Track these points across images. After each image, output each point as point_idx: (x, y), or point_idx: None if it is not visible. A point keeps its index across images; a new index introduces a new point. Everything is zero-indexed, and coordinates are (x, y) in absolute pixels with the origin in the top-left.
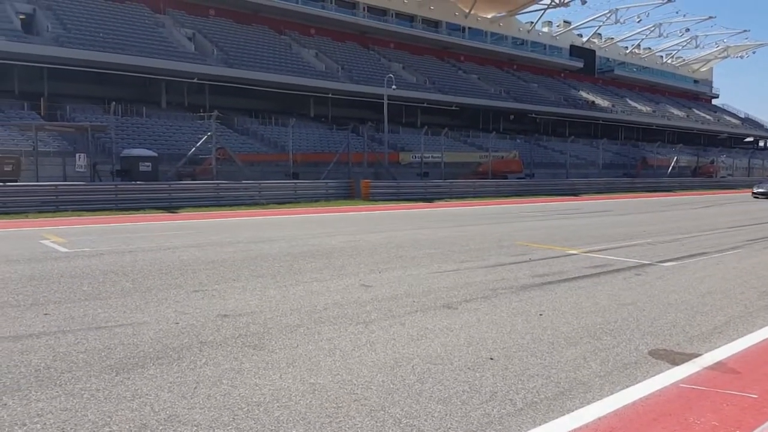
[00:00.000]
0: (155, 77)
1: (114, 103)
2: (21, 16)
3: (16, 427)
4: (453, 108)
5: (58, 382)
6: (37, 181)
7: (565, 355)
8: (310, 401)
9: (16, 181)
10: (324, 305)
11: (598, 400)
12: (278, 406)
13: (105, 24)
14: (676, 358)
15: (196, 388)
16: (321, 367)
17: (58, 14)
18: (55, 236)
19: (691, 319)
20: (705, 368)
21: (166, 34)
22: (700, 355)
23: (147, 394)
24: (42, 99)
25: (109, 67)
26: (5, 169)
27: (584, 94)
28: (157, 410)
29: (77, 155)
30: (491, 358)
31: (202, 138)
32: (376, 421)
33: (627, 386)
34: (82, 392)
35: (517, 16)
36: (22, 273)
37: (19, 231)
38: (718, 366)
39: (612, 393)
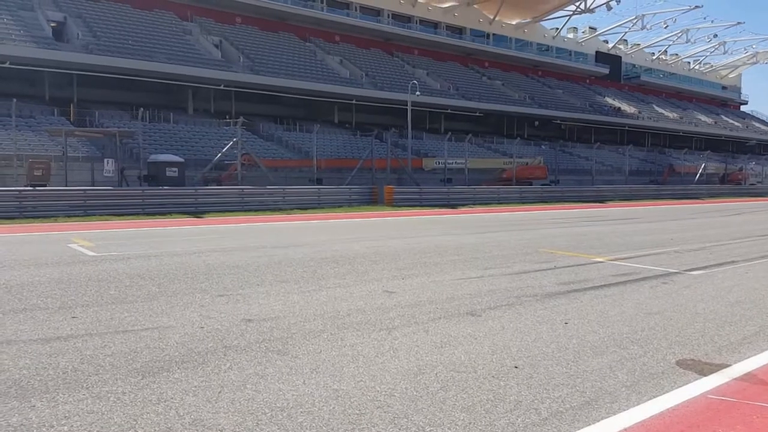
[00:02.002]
0: (182, 84)
1: (142, 109)
2: (52, 24)
3: (43, 429)
4: (477, 114)
5: (85, 385)
6: (66, 186)
7: (591, 364)
8: (333, 407)
9: (46, 186)
10: (347, 311)
11: (624, 410)
12: (301, 412)
13: (134, 32)
14: (704, 369)
15: (220, 392)
16: (344, 373)
17: (88, 22)
18: (83, 240)
19: (720, 329)
20: (734, 379)
21: (193, 42)
22: (729, 365)
23: (172, 398)
24: (71, 105)
25: (138, 74)
26: (35, 173)
27: (610, 101)
28: (182, 414)
29: (105, 160)
30: (516, 367)
31: (227, 144)
32: (399, 429)
33: (654, 397)
34: (109, 395)
35: (542, 23)
36: (51, 276)
37: (48, 235)
38: (748, 377)
39: (639, 403)
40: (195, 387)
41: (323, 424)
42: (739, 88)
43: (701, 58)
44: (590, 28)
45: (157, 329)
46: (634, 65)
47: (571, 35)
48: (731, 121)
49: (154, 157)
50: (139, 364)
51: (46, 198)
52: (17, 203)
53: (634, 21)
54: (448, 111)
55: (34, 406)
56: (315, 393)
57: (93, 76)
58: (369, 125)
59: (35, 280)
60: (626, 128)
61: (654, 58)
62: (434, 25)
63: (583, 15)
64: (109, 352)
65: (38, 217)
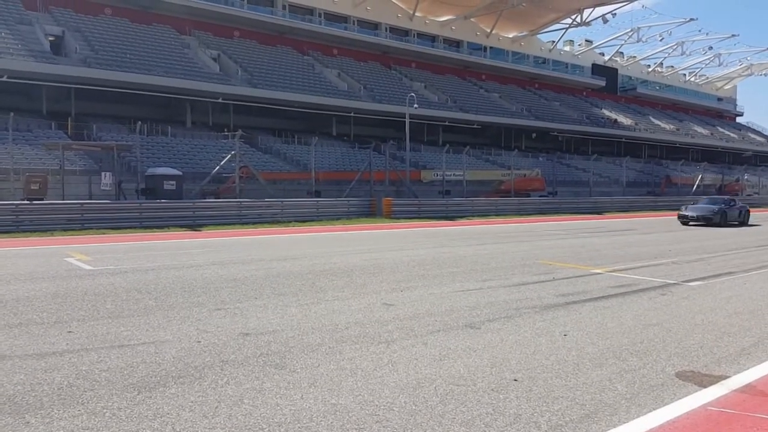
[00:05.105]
0: (180, 97)
1: (139, 122)
2: (50, 38)
3: None
4: (475, 126)
5: (80, 401)
6: (64, 200)
7: (590, 376)
8: (332, 422)
9: (43, 200)
10: (345, 324)
11: (624, 423)
12: (299, 428)
13: (132, 45)
14: (703, 380)
15: (217, 407)
16: (342, 387)
17: (87, 36)
18: (80, 254)
19: (719, 340)
20: (733, 391)
21: (191, 55)
22: (728, 377)
23: (168, 414)
24: (69, 118)
25: (135, 88)
26: (32, 187)
27: (607, 112)
28: (178, 430)
29: (103, 174)
30: (515, 380)
31: (225, 157)
32: None
33: (654, 409)
34: (104, 411)
35: (539, 36)
36: (47, 290)
37: (44, 248)
38: (747, 389)
39: (638, 416)
40: (191, 402)
41: None
42: (735, 100)
43: (697, 70)
44: (586, 40)
45: (153, 344)
46: (630, 77)
47: (567, 48)
48: (727, 132)
49: (151, 171)
50: (135, 379)
51: (42, 212)
52: (14, 217)
53: (630, 34)
54: (446, 123)
55: (28, 422)
56: (313, 408)
57: (91, 89)
58: (367, 138)
59: (31, 294)
60: (623, 140)
61: (650, 70)
62: (432, 39)
63: (579, 28)
64: (105, 367)
65: (35, 231)
